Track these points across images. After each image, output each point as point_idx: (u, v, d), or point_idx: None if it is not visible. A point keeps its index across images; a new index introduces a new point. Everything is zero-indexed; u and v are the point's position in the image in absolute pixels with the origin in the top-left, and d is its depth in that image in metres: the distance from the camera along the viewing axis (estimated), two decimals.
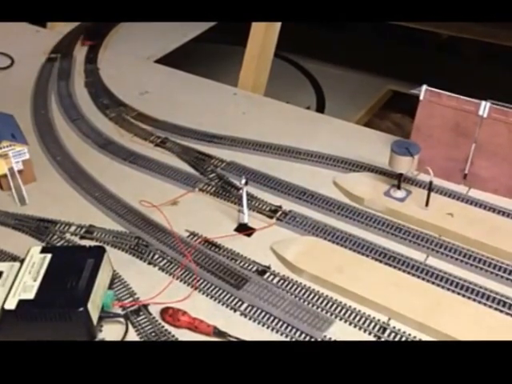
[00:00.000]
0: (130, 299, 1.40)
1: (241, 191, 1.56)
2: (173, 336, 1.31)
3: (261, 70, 2.27)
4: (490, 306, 1.36)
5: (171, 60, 2.51)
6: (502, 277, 1.44)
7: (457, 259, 1.49)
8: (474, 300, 1.38)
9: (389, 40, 3.03)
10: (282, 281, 1.44)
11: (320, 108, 2.76)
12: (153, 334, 1.32)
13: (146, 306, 1.38)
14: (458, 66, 2.81)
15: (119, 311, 1.37)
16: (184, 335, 1.32)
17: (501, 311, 1.35)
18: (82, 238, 1.59)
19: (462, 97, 1.64)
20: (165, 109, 2.07)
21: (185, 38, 2.63)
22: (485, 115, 1.62)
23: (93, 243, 1.54)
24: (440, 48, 3.00)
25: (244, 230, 1.59)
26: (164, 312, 1.35)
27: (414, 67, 2.71)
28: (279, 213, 1.64)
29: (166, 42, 2.61)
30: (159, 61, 2.49)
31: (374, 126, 2.25)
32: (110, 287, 1.41)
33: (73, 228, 1.62)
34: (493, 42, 2.47)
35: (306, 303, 1.38)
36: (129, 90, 2.21)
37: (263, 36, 2.23)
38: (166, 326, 1.33)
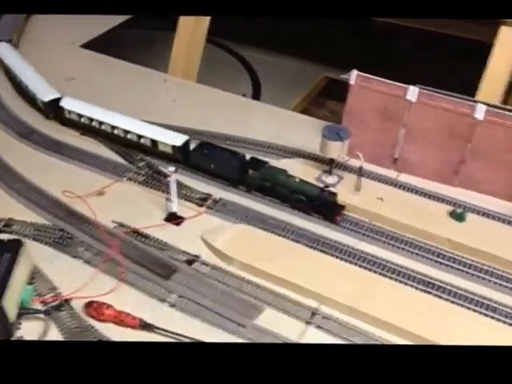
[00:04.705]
0: (52, 294, 1.33)
1: (169, 179, 1.51)
2: (96, 331, 1.25)
3: (192, 56, 2.22)
4: (420, 289, 1.37)
5: (99, 45, 2.41)
6: (430, 259, 1.45)
7: (387, 243, 1.49)
8: (406, 284, 1.39)
9: (326, 27, 3.03)
10: (212, 270, 1.41)
11: (256, 95, 2.74)
12: (76, 330, 1.25)
13: (67, 301, 1.31)
14: (393, 53, 2.84)
15: (40, 307, 1.30)
16: (109, 329, 1.26)
17: (429, 293, 1.36)
18: None
19: (391, 81, 1.65)
20: (92, 95, 1.98)
21: (113, 23, 2.53)
22: (413, 99, 1.63)
23: (12, 237, 1.45)
24: (376, 35, 3.01)
25: (173, 219, 1.54)
26: (88, 306, 1.29)
27: (352, 55, 2.71)
28: (209, 201, 1.60)
29: (92, 27, 2.51)
30: (86, 46, 2.39)
31: (311, 114, 2.23)
32: (31, 282, 1.34)
33: None
34: (427, 28, 2.50)
35: (236, 292, 1.36)
36: (54, 75, 2.10)
37: (194, 21, 2.18)
38: (90, 321, 1.28)
